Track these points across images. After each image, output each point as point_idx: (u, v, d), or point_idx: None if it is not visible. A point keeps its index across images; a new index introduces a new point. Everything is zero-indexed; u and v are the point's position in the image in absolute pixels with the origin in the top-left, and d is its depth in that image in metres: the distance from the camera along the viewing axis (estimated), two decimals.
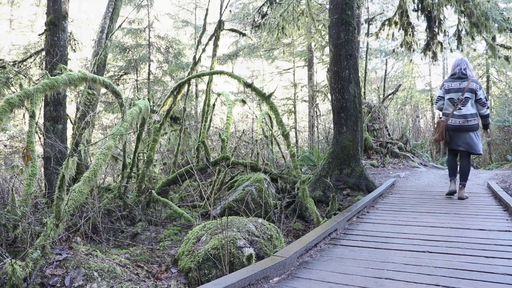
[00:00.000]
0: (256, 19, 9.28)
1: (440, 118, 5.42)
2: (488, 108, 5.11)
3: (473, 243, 3.20)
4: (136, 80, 14.00)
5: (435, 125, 5.53)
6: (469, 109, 5.04)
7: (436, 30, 8.48)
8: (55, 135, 5.71)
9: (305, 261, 2.89)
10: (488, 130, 5.43)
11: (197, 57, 7.38)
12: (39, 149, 6.24)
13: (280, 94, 18.83)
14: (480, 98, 5.03)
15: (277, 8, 8.64)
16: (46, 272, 2.51)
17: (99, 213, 4.26)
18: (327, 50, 13.56)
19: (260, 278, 2.42)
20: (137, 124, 5.35)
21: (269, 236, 3.37)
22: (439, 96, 5.35)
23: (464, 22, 8.02)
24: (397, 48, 9.95)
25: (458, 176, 5.38)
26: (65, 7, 6.10)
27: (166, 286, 2.73)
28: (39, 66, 8.30)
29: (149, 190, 5.41)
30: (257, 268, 2.46)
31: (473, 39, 8.10)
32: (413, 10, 8.56)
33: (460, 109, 5.07)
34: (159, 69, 14.72)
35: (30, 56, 8.32)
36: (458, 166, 5.37)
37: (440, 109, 5.35)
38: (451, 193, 5.48)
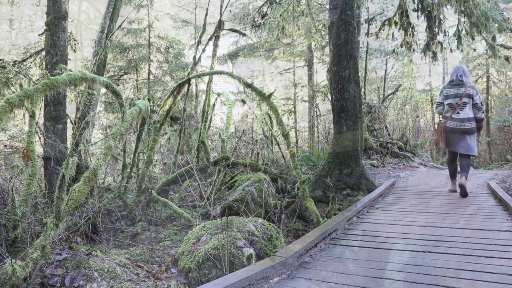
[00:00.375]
0: (256, 19, 9.27)
1: (440, 120, 5.70)
2: (483, 112, 5.45)
3: (473, 243, 3.20)
4: (136, 80, 13.99)
5: (435, 127, 5.85)
6: (467, 113, 5.32)
7: (436, 30, 8.48)
8: (55, 135, 5.71)
9: (305, 261, 2.89)
10: (480, 133, 5.82)
11: (197, 57, 7.39)
12: (39, 149, 6.23)
13: (280, 94, 18.80)
14: (477, 103, 5.35)
15: (277, 8, 8.63)
16: (46, 272, 2.51)
17: (99, 213, 4.26)
18: (327, 50, 13.56)
19: (260, 278, 2.42)
20: (137, 124, 5.35)
21: (269, 236, 3.37)
22: (438, 102, 5.66)
23: (464, 22, 8.01)
24: (397, 48, 9.94)
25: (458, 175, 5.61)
26: (65, 7, 6.11)
27: (166, 286, 2.73)
28: (39, 66, 8.29)
29: (149, 190, 5.40)
30: (257, 268, 2.46)
31: (473, 39, 8.11)
32: (413, 10, 8.56)
33: (458, 113, 5.36)
34: (159, 69, 14.71)
35: (30, 56, 8.32)
36: (458, 166, 5.60)
37: (440, 114, 5.66)
38: (452, 191, 5.78)
